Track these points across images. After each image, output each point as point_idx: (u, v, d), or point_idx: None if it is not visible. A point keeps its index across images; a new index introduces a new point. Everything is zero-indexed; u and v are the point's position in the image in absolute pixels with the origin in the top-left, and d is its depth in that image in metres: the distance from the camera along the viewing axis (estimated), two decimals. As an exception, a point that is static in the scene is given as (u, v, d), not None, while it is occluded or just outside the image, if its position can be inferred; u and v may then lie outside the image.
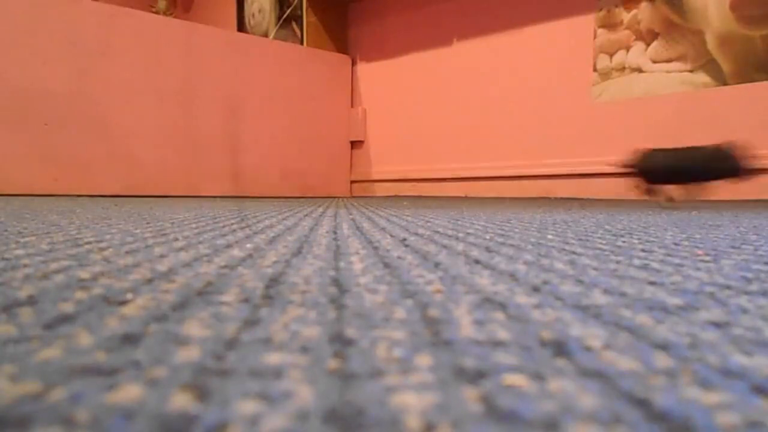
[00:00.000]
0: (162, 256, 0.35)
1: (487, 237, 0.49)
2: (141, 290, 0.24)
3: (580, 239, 0.48)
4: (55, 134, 2.06)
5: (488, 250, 0.39)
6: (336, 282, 0.26)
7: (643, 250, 0.40)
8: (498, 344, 0.17)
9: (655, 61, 1.93)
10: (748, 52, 1.74)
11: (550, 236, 0.50)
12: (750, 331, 0.18)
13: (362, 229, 0.56)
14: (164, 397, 0.12)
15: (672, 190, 1.45)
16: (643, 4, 1.95)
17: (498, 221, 0.71)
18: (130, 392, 0.12)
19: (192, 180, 2.40)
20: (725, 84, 1.78)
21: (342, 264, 0.32)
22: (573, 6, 2.12)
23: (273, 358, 0.15)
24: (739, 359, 0.15)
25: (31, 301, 0.22)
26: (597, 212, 1.00)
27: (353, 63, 2.93)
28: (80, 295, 0.23)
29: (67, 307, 0.21)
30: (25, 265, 0.30)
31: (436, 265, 0.32)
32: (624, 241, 0.46)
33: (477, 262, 0.33)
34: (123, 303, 0.22)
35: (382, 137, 2.84)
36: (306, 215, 0.82)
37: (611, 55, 2.03)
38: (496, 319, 0.20)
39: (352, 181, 2.99)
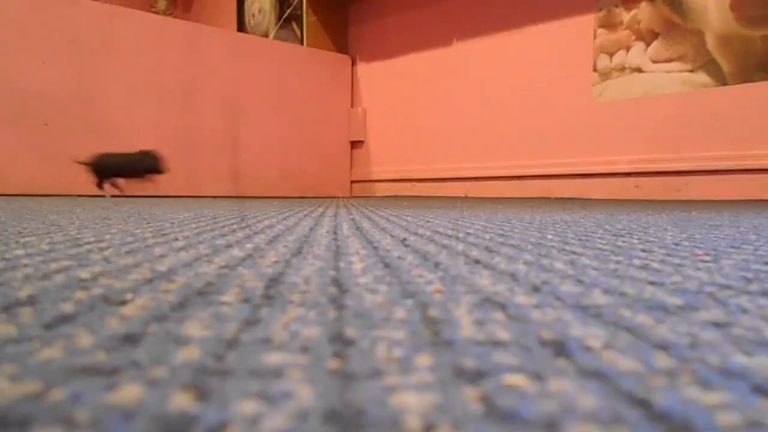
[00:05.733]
0: (162, 256, 0.35)
1: (487, 237, 0.49)
2: (141, 290, 0.24)
3: (580, 239, 0.48)
4: (55, 134, 2.06)
5: (488, 250, 0.39)
6: (336, 282, 0.26)
7: (643, 250, 0.40)
8: (498, 344, 0.17)
9: (655, 61, 1.93)
10: (748, 52, 1.74)
11: (550, 236, 0.50)
12: (750, 331, 0.18)
13: (362, 229, 0.56)
14: (164, 397, 0.12)
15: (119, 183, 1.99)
16: (643, 4, 1.95)
17: (498, 221, 0.71)
18: (130, 392, 0.12)
19: (192, 180, 2.40)
20: (725, 84, 1.78)
21: (342, 264, 0.32)
22: (573, 6, 2.12)
23: (273, 358, 0.15)
24: (739, 359, 0.15)
25: (31, 301, 0.22)
26: (597, 212, 1.00)
27: (353, 63, 2.93)
28: (80, 295, 0.23)
29: (67, 307, 0.21)
30: (25, 265, 0.30)
31: (436, 265, 0.32)
32: (624, 241, 0.46)
33: (477, 262, 0.33)
34: (123, 303, 0.22)
35: (382, 137, 2.84)
36: (306, 215, 0.82)
37: (611, 55, 2.03)
38: (496, 319, 0.20)
39: (352, 181, 2.99)
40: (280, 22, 3.05)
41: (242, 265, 0.31)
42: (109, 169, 1.93)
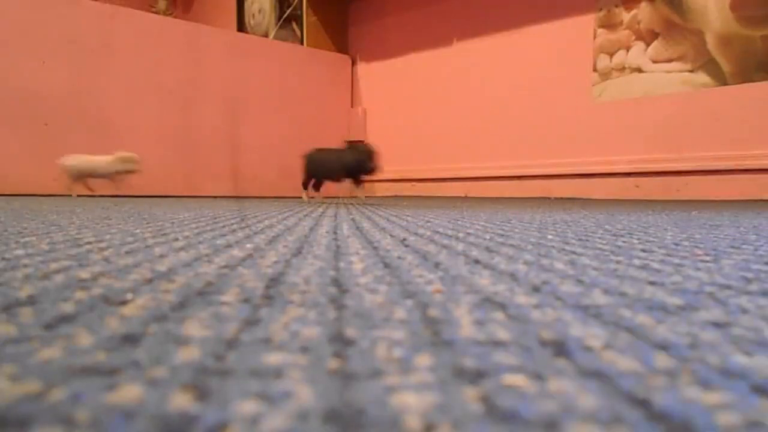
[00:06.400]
0: (162, 256, 0.35)
1: (487, 237, 0.49)
2: (141, 290, 0.24)
3: (580, 239, 0.48)
4: (55, 134, 2.06)
5: (488, 250, 0.39)
6: (336, 282, 0.26)
7: (643, 250, 0.40)
8: (498, 344, 0.17)
9: (655, 61, 1.93)
10: (748, 52, 1.74)
11: (550, 236, 0.50)
12: (750, 331, 0.18)
13: (362, 229, 0.56)
14: (164, 397, 0.12)
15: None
16: (643, 4, 1.95)
17: (498, 221, 0.71)
18: (130, 392, 0.12)
19: (192, 180, 2.40)
20: (725, 84, 1.78)
21: (342, 264, 0.32)
22: (573, 6, 2.12)
23: (273, 358, 0.15)
24: (739, 359, 0.15)
25: (31, 301, 0.22)
26: (597, 212, 1.00)
27: (353, 63, 2.93)
28: (80, 295, 0.23)
29: (67, 307, 0.21)
30: (25, 265, 0.30)
31: (436, 265, 0.32)
32: (624, 241, 0.46)
33: (477, 262, 0.33)
34: (123, 303, 0.22)
35: (382, 137, 2.84)
36: (306, 215, 0.82)
37: (611, 55, 2.03)
38: (496, 319, 0.20)
39: (352, 181, 2.99)
40: (280, 22, 3.05)
41: (242, 265, 0.31)
42: (317, 167, 1.60)
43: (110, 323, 0.19)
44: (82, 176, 1.91)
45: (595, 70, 2.07)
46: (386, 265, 0.32)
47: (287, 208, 1.08)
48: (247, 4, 3.37)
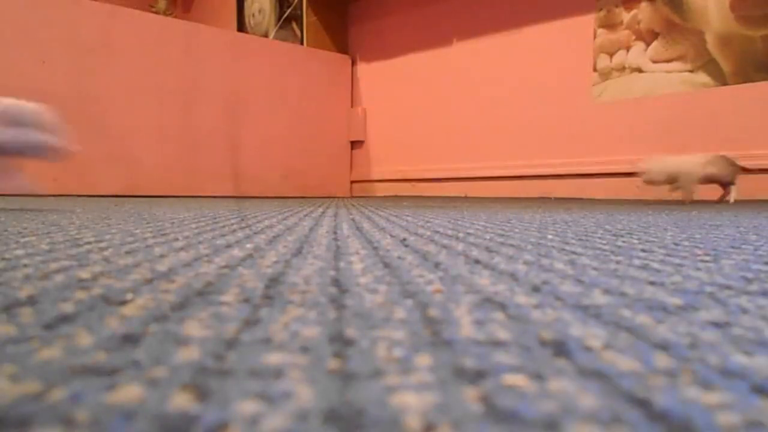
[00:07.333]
0: (162, 256, 0.35)
1: (487, 237, 0.49)
2: (141, 290, 0.24)
3: (580, 239, 0.48)
4: (55, 134, 2.06)
5: (488, 250, 0.39)
6: (336, 282, 0.26)
7: (643, 250, 0.40)
8: (498, 344, 0.17)
9: (655, 61, 1.93)
10: (748, 52, 1.74)
11: (550, 236, 0.50)
12: (750, 331, 0.18)
13: (362, 229, 0.56)
14: (164, 397, 0.12)
15: None
16: (643, 4, 1.95)
17: (498, 221, 0.71)
18: (130, 392, 0.12)
19: (192, 180, 2.40)
20: (725, 84, 1.78)
21: (342, 264, 0.32)
22: (573, 6, 2.12)
23: (273, 358, 0.15)
24: (739, 359, 0.15)
25: (31, 301, 0.22)
26: (597, 212, 1.00)
27: (353, 63, 2.93)
28: (80, 295, 0.23)
29: (67, 307, 0.21)
30: (25, 265, 0.30)
31: (436, 265, 0.32)
32: (624, 241, 0.46)
33: (477, 262, 0.33)
34: (123, 303, 0.22)
35: (382, 137, 2.84)
36: (306, 215, 0.82)
37: (611, 55, 2.03)
38: (496, 319, 0.20)
39: (352, 181, 2.99)
40: (280, 22, 3.05)
41: (242, 265, 0.31)
42: None
43: (110, 323, 0.19)
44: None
45: (595, 70, 2.07)
46: (386, 265, 0.32)
47: (287, 208, 1.08)
48: (247, 4, 3.37)
